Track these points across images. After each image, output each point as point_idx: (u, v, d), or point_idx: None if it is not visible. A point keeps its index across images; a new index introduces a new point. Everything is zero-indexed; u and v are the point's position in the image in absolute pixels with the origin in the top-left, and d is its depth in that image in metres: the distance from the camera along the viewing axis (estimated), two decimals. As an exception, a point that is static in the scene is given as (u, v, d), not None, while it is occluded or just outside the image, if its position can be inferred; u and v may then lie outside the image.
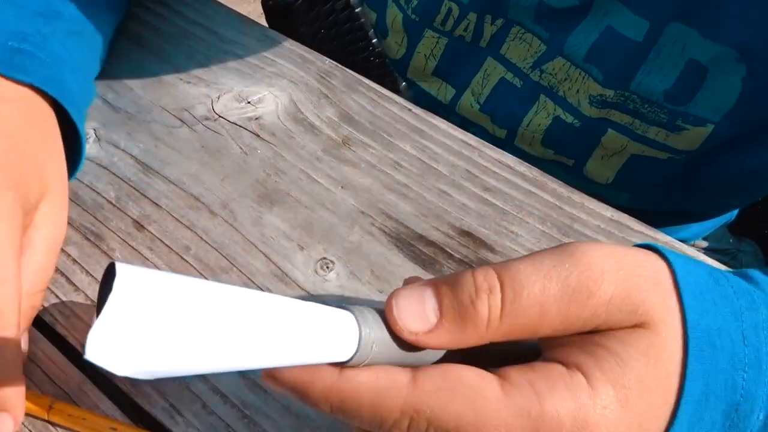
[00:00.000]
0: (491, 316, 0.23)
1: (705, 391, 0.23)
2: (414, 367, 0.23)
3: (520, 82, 0.51)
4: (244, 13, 0.55)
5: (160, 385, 0.37)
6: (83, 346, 0.38)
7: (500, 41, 0.51)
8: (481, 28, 0.51)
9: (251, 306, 0.21)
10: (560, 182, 0.44)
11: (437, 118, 0.48)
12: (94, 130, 0.48)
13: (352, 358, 0.23)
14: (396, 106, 0.49)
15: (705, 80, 0.41)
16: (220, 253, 0.42)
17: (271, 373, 0.23)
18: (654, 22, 0.42)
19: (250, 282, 0.40)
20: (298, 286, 0.40)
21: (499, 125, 0.56)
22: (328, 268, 0.41)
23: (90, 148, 0.47)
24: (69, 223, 0.43)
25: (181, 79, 0.51)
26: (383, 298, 0.37)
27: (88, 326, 0.37)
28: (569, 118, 0.49)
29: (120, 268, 0.18)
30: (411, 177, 0.45)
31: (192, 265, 0.41)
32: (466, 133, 0.47)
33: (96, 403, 0.36)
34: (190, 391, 0.36)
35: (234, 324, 0.20)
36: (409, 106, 0.49)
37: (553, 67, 0.49)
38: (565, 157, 0.54)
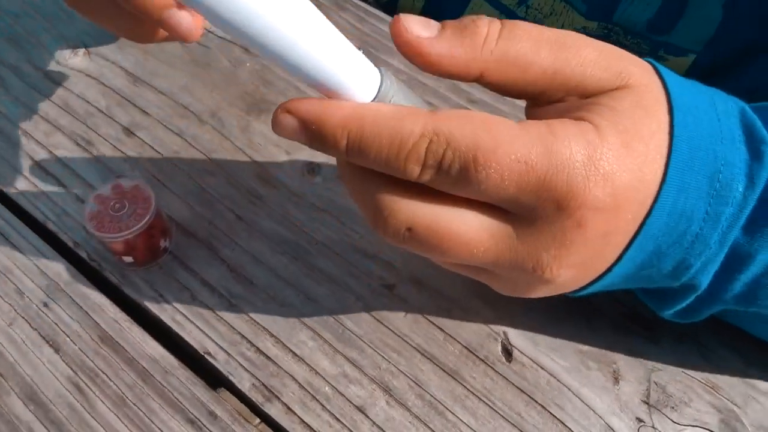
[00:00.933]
0: (489, 35, 0.24)
1: (690, 154, 0.25)
2: None
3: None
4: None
5: (148, 275, 0.38)
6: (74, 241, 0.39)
7: None
8: None
9: (308, 8, 0.22)
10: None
11: (425, 35, 0.48)
12: (84, 44, 0.48)
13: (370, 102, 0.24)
14: (384, 24, 0.49)
15: (686, 7, 0.42)
16: (208, 158, 0.42)
17: (287, 107, 0.23)
18: None
19: (236, 183, 0.41)
20: (285, 188, 0.41)
21: None
22: (314, 171, 0.42)
23: (80, 61, 0.48)
24: (60, 129, 0.44)
25: (171, -3, 0.51)
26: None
27: (79, 224, 0.38)
28: None
29: None
30: (397, 90, 0.45)
31: (181, 168, 0.42)
32: (453, 49, 0.48)
33: (85, 293, 0.37)
34: (178, 282, 0.37)
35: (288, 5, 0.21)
36: (397, 24, 0.49)
37: (538, 3, 0.49)
38: None
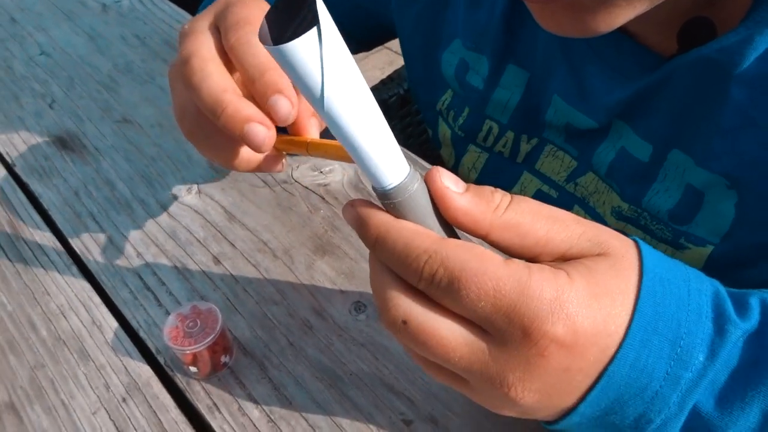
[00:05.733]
0: (500, 204, 0.30)
1: (654, 317, 0.28)
2: None
3: (556, 193, 0.57)
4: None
5: (208, 385, 0.44)
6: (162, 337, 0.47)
7: (535, 157, 0.57)
8: (517, 146, 0.58)
9: (368, 94, 0.27)
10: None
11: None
12: (197, 184, 0.60)
13: (392, 187, 0.29)
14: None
15: (702, 203, 0.45)
16: (275, 288, 0.50)
17: (353, 203, 0.30)
18: (656, 146, 0.47)
19: (294, 313, 0.48)
20: (333, 321, 0.47)
21: None
22: (360, 309, 0.48)
23: (192, 198, 0.58)
24: (165, 254, 0.54)
25: (272, 150, 0.62)
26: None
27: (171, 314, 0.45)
28: None
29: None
30: (445, 243, 0.51)
31: (251, 295, 0.50)
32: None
33: (156, 393, 0.44)
34: (230, 394, 0.44)
35: (351, 77, 0.26)
36: (455, 185, 0.56)
37: (585, 181, 0.54)
38: None
